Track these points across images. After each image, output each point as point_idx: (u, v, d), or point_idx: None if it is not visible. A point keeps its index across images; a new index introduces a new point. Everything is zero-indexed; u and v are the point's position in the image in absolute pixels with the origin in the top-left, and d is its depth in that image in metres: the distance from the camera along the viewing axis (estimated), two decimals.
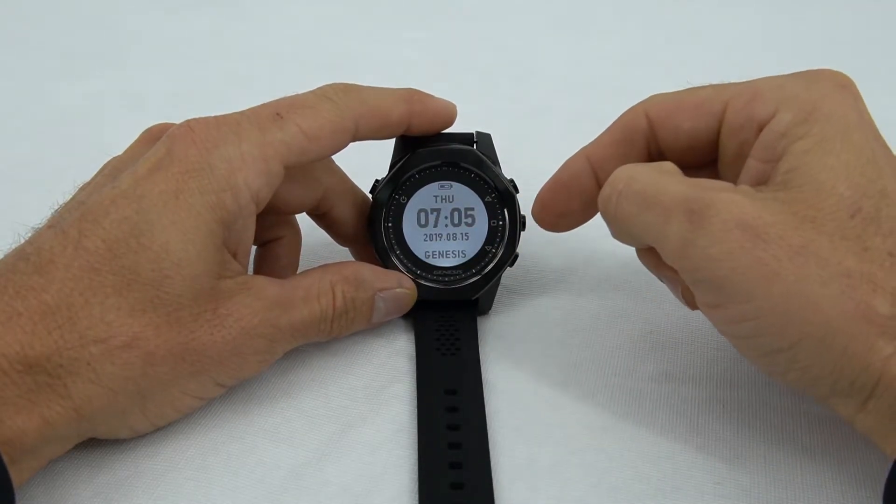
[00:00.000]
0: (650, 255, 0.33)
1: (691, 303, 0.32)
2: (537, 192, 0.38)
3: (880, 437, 0.28)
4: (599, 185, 0.35)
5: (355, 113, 0.35)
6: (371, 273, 0.37)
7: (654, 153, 0.35)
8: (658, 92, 0.35)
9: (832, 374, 0.28)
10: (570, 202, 0.37)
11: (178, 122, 0.34)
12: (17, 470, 0.29)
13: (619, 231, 0.33)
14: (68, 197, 0.35)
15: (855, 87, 0.32)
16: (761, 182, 0.31)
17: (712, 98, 0.33)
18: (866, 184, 0.29)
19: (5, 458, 0.28)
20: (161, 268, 0.31)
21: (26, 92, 0.64)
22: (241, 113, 0.34)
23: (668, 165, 0.32)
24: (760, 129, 0.31)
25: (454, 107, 0.38)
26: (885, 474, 0.27)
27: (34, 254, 0.31)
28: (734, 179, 0.32)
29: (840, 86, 0.32)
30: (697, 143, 0.34)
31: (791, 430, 0.34)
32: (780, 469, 0.32)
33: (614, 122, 0.36)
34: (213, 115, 0.34)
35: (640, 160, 0.35)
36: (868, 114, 0.32)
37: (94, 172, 0.36)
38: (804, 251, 0.28)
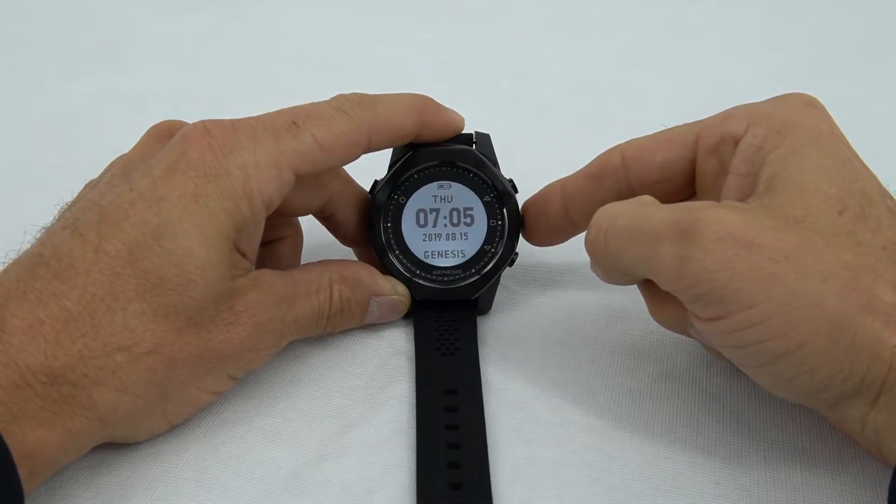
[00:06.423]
0: (664, 311, 0.33)
1: (719, 355, 0.33)
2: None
3: (893, 435, 0.28)
4: (566, 214, 0.37)
5: (369, 127, 0.35)
6: (369, 276, 0.38)
7: (623, 191, 0.36)
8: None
9: (841, 372, 0.27)
10: (536, 221, 0.39)
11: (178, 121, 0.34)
12: (32, 482, 0.29)
13: (611, 269, 0.33)
14: (75, 195, 0.35)
15: (821, 104, 0.33)
16: (744, 196, 0.31)
17: (685, 132, 0.35)
18: (847, 185, 0.29)
19: (25, 472, 0.27)
20: (185, 272, 0.31)
21: (26, 92, 0.64)
22: (257, 119, 0.34)
23: (646, 198, 0.33)
24: (736, 143, 0.32)
25: (462, 119, 0.38)
26: (887, 473, 0.27)
27: (53, 258, 0.30)
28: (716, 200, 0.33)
29: (807, 104, 0.33)
30: (671, 175, 0.35)
31: (791, 430, 0.34)
32: (780, 469, 0.32)
33: (594, 159, 0.37)
34: (213, 115, 0.34)
35: (609, 196, 0.36)
36: (837, 127, 0.32)
37: (94, 172, 0.36)
38: (800, 249, 0.28)
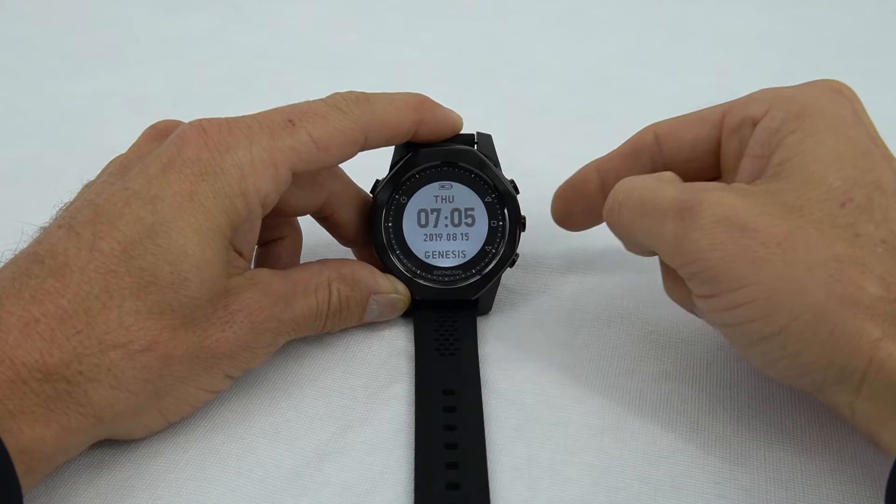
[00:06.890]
0: (676, 287, 0.34)
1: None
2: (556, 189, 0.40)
3: (880, 424, 0.28)
4: (604, 193, 0.37)
5: (366, 125, 0.35)
6: (368, 274, 0.38)
7: (658, 168, 0.36)
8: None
9: (822, 358, 0.28)
10: (574, 203, 0.39)
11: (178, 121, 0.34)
12: (31, 478, 0.29)
13: (626, 240, 0.35)
14: (73, 195, 0.35)
15: (850, 91, 0.33)
16: (755, 179, 0.31)
17: (713, 111, 0.35)
18: (858, 175, 0.30)
19: (22, 468, 0.27)
20: (180, 270, 0.31)
21: (26, 92, 0.64)
22: (253, 117, 0.34)
23: (667, 174, 0.34)
24: (755, 125, 0.33)
25: (460, 118, 0.38)
26: (886, 473, 0.27)
27: (48, 256, 0.30)
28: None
29: (833, 90, 0.33)
30: (699, 153, 0.36)
31: (791, 430, 0.34)
32: (780, 469, 0.32)
33: (627, 140, 0.38)
34: (213, 115, 0.34)
35: (643, 173, 0.36)
36: (866, 115, 0.32)
37: (94, 172, 0.36)
38: (791, 238, 0.28)
